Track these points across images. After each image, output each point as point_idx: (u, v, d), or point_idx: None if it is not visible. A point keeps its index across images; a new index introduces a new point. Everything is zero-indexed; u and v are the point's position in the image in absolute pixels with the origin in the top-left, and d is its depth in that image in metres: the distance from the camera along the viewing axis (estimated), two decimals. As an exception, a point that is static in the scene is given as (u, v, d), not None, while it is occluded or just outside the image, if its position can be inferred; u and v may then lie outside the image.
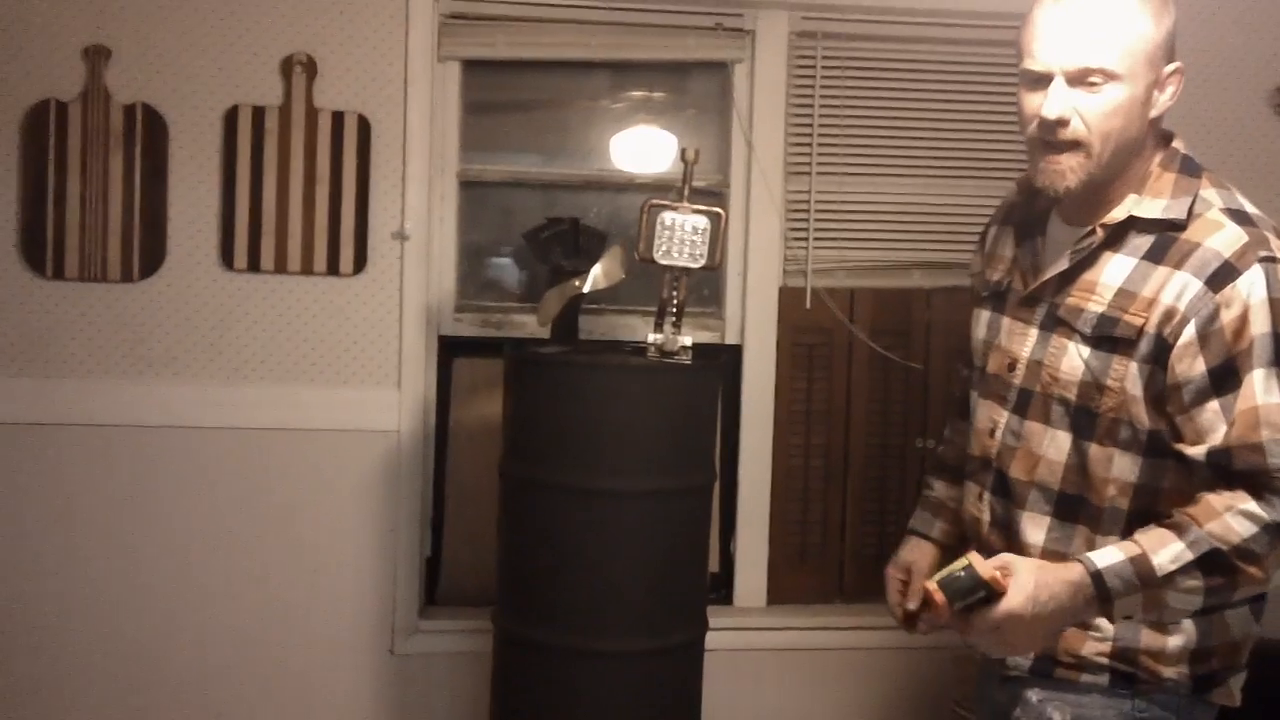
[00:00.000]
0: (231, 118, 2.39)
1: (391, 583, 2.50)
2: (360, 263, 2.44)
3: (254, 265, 2.41)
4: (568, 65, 2.58)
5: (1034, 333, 1.49)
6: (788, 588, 2.67)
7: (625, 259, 2.19)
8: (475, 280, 2.62)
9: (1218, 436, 1.34)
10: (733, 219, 2.53)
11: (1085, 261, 1.44)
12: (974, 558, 1.37)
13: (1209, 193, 1.42)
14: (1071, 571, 1.36)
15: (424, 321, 2.49)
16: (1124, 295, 1.40)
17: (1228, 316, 1.34)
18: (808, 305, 2.62)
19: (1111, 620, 1.40)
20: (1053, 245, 1.51)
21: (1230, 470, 1.34)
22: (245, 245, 2.40)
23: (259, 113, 2.39)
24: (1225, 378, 1.34)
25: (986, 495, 1.54)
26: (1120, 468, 1.42)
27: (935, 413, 2.61)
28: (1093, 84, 1.37)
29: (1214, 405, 1.34)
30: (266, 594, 2.46)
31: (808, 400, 2.66)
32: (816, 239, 2.62)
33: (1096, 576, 1.34)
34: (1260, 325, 1.33)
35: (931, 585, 1.38)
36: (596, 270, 2.16)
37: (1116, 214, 1.43)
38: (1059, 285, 1.47)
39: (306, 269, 2.42)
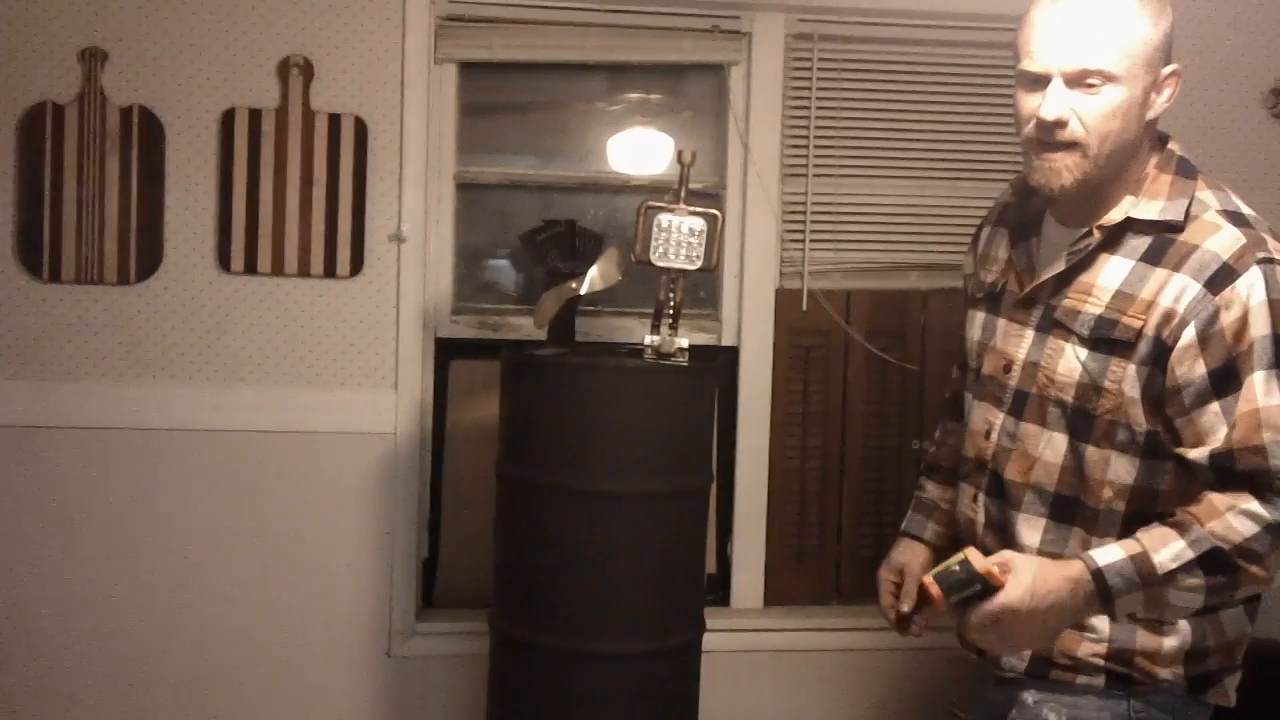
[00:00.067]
0: (228, 120, 2.39)
1: (388, 585, 2.50)
2: (357, 265, 2.44)
3: (251, 267, 2.41)
4: (564, 67, 2.58)
5: (1030, 334, 1.49)
6: (785, 589, 2.68)
7: (622, 261, 2.19)
8: (472, 282, 2.62)
9: (1219, 439, 1.35)
10: (729, 221, 2.53)
11: (1082, 263, 1.45)
12: (970, 552, 1.37)
13: (1205, 194, 1.43)
14: (1072, 568, 1.36)
15: (421, 323, 2.49)
16: (1122, 297, 1.40)
17: (1227, 319, 1.34)
18: (804, 307, 2.62)
19: (1113, 619, 1.40)
20: (1048, 247, 1.51)
21: (1233, 472, 1.34)
22: (242, 247, 2.40)
23: (256, 115, 2.39)
24: (1226, 380, 1.34)
25: (981, 497, 1.54)
26: (1117, 470, 1.42)
27: (931, 414, 2.61)
28: (1091, 85, 1.37)
29: (1215, 407, 1.35)
30: (264, 596, 2.46)
31: (804, 402, 2.67)
32: (813, 241, 2.62)
33: (1097, 574, 1.34)
34: (1260, 327, 1.34)
35: (928, 579, 1.38)
36: (593, 272, 2.16)
37: (1113, 215, 1.43)
38: (1055, 287, 1.47)
39: (303, 271, 2.42)
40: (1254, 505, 1.33)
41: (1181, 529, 1.34)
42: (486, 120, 2.61)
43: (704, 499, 2.19)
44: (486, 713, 2.20)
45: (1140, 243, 1.42)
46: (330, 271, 2.43)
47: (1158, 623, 1.44)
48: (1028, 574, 1.35)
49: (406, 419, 2.48)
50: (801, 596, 2.68)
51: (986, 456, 1.53)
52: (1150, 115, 1.43)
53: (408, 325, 2.47)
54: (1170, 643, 1.45)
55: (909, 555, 1.68)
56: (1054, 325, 1.46)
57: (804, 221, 2.62)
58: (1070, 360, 1.43)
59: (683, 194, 2.07)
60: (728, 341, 2.62)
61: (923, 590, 1.41)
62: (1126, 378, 1.39)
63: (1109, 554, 1.35)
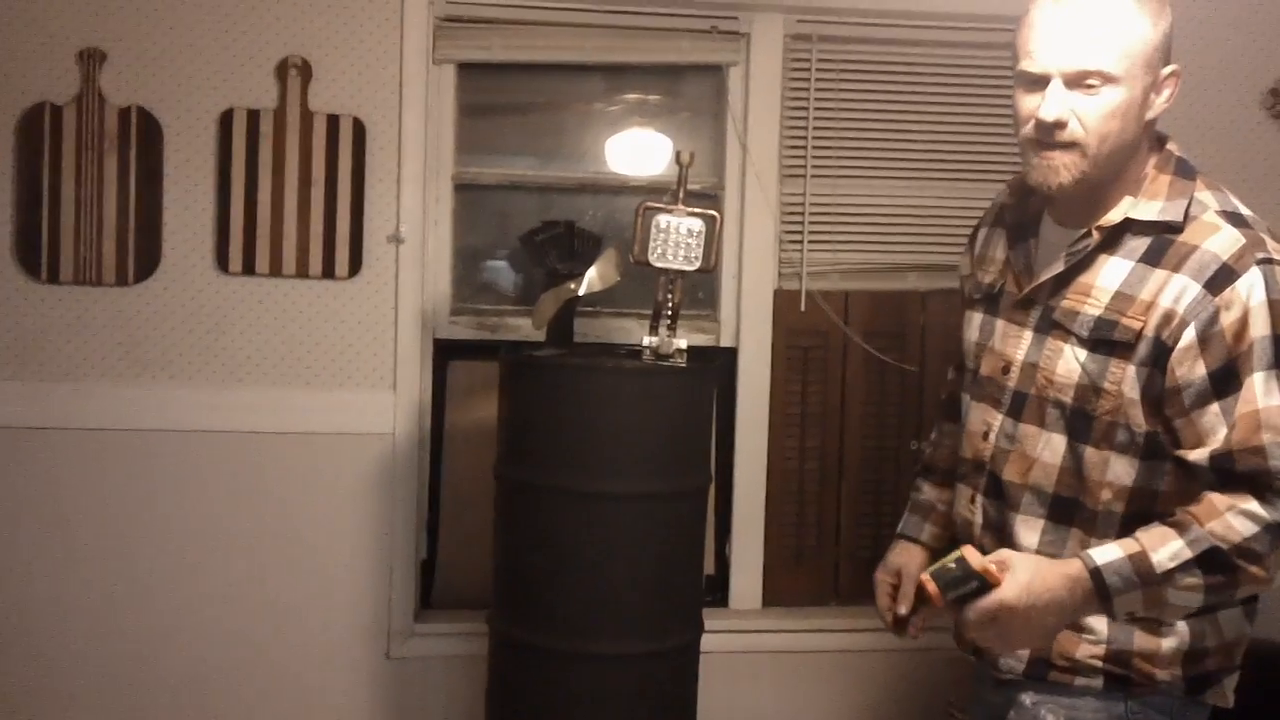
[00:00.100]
0: (226, 121, 2.38)
1: (387, 586, 2.50)
2: (355, 266, 2.44)
3: (249, 268, 2.41)
4: (563, 68, 2.58)
5: (1029, 335, 1.49)
6: (783, 590, 2.68)
7: (620, 262, 2.19)
8: (470, 283, 2.62)
9: (1219, 439, 1.35)
10: (727, 222, 2.53)
11: (1080, 264, 1.45)
12: (967, 550, 1.37)
13: (1204, 195, 1.43)
14: (1070, 567, 1.36)
15: (419, 324, 2.49)
16: (1121, 298, 1.40)
17: (1227, 319, 1.34)
18: (802, 308, 2.62)
19: (1112, 618, 1.40)
20: (1046, 247, 1.51)
21: (1233, 473, 1.34)
22: (240, 248, 2.40)
23: (254, 116, 2.39)
24: (1226, 380, 1.34)
25: (979, 498, 1.54)
26: (1116, 471, 1.42)
27: (930, 415, 2.60)
28: (1090, 86, 1.37)
29: (1215, 408, 1.35)
30: (263, 597, 2.46)
31: (803, 403, 2.67)
32: (811, 241, 2.62)
33: (1095, 573, 1.34)
34: (1260, 328, 1.34)
35: (925, 577, 1.39)
36: (592, 273, 2.16)
37: (1112, 216, 1.43)
38: (1054, 288, 1.47)
39: (302, 272, 2.42)
40: (1254, 505, 1.33)
41: (1180, 528, 1.34)
42: (485, 121, 2.61)
43: (702, 500, 2.19)
44: (485, 713, 2.19)
45: (1139, 244, 1.42)
46: (328, 272, 2.43)
47: (1156, 624, 1.44)
48: (1025, 572, 1.36)
49: (405, 420, 2.48)
50: (800, 597, 2.68)
51: (984, 457, 1.53)
52: (1149, 115, 1.43)
53: (406, 326, 2.47)
54: (1168, 644, 1.45)
55: (906, 557, 1.68)
56: (1053, 326, 1.46)
57: (802, 222, 2.62)
58: (1069, 361, 1.43)
59: (681, 195, 2.07)
60: (726, 342, 2.62)
61: (920, 589, 1.41)
62: (1126, 379, 1.39)
63: (1107, 553, 1.35)
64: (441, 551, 2.60)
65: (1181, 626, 1.44)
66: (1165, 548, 1.33)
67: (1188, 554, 1.33)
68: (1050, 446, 1.46)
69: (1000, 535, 1.51)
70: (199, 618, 2.45)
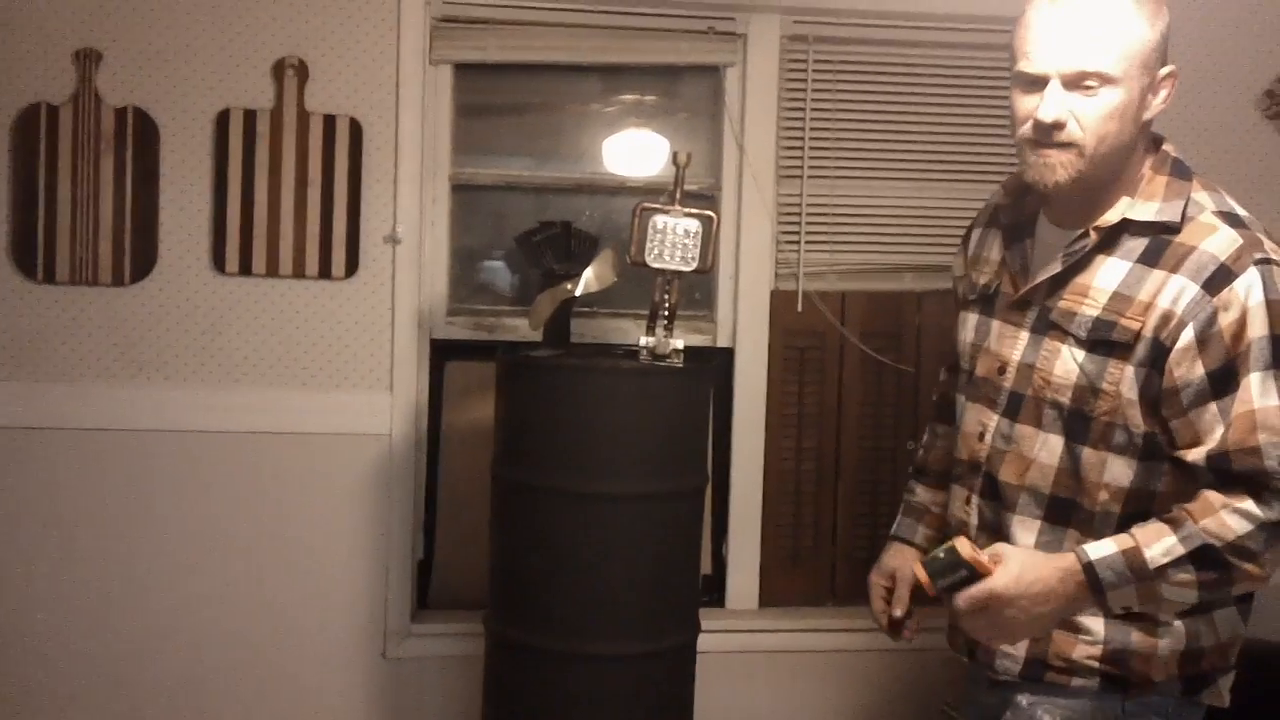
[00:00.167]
0: (223, 121, 2.38)
1: (384, 586, 2.50)
2: (352, 266, 2.44)
3: (246, 269, 2.40)
4: (560, 69, 2.58)
5: (1025, 336, 1.49)
6: (780, 590, 2.68)
7: (617, 262, 2.19)
8: (467, 284, 2.62)
9: (1215, 439, 1.35)
10: (724, 222, 2.54)
11: (1078, 265, 1.45)
12: (959, 540, 1.39)
13: (1201, 195, 1.43)
14: (1064, 560, 1.37)
15: (416, 325, 2.49)
16: (1119, 299, 1.40)
17: (1226, 320, 1.34)
18: (799, 308, 2.63)
19: (1107, 612, 1.41)
20: (1042, 248, 1.51)
21: (1230, 473, 1.34)
22: (237, 249, 2.39)
23: (250, 116, 2.39)
24: (1224, 381, 1.35)
25: (974, 499, 1.54)
26: (1114, 472, 1.42)
27: (926, 415, 2.61)
28: (1088, 87, 1.37)
29: (1212, 408, 1.35)
30: (259, 597, 2.46)
31: (799, 403, 2.67)
32: (808, 242, 2.63)
33: (1088, 567, 1.35)
34: (1258, 328, 1.34)
35: (918, 565, 1.41)
36: (588, 274, 2.16)
37: (1110, 216, 1.43)
38: (1050, 288, 1.47)
39: (298, 272, 2.42)
40: (1249, 505, 1.33)
41: (1175, 525, 1.35)
42: (482, 121, 2.61)
43: (699, 500, 2.19)
44: (482, 714, 2.19)
45: (1136, 244, 1.42)
46: (325, 273, 2.42)
47: (1152, 624, 1.44)
48: (1016, 563, 1.37)
49: (402, 420, 2.48)
50: (796, 598, 2.68)
51: (980, 458, 1.53)
52: (1147, 116, 1.43)
53: (403, 326, 2.47)
54: (1165, 644, 1.45)
55: (900, 559, 1.68)
56: (1050, 327, 1.46)
57: (799, 223, 2.62)
58: (1067, 362, 1.43)
59: (678, 195, 2.07)
60: (723, 343, 2.63)
61: (917, 587, 1.42)
62: (1125, 379, 1.40)
63: (1102, 548, 1.36)
64: (438, 552, 2.60)
65: (1177, 627, 1.45)
66: (1159, 544, 1.34)
67: (1180, 550, 1.33)
68: (1047, 447, 1.46)
69: (996, 536, 1.51)
70: (196, 618, 2.44)
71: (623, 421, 2.03)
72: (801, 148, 2.61)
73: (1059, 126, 1.38)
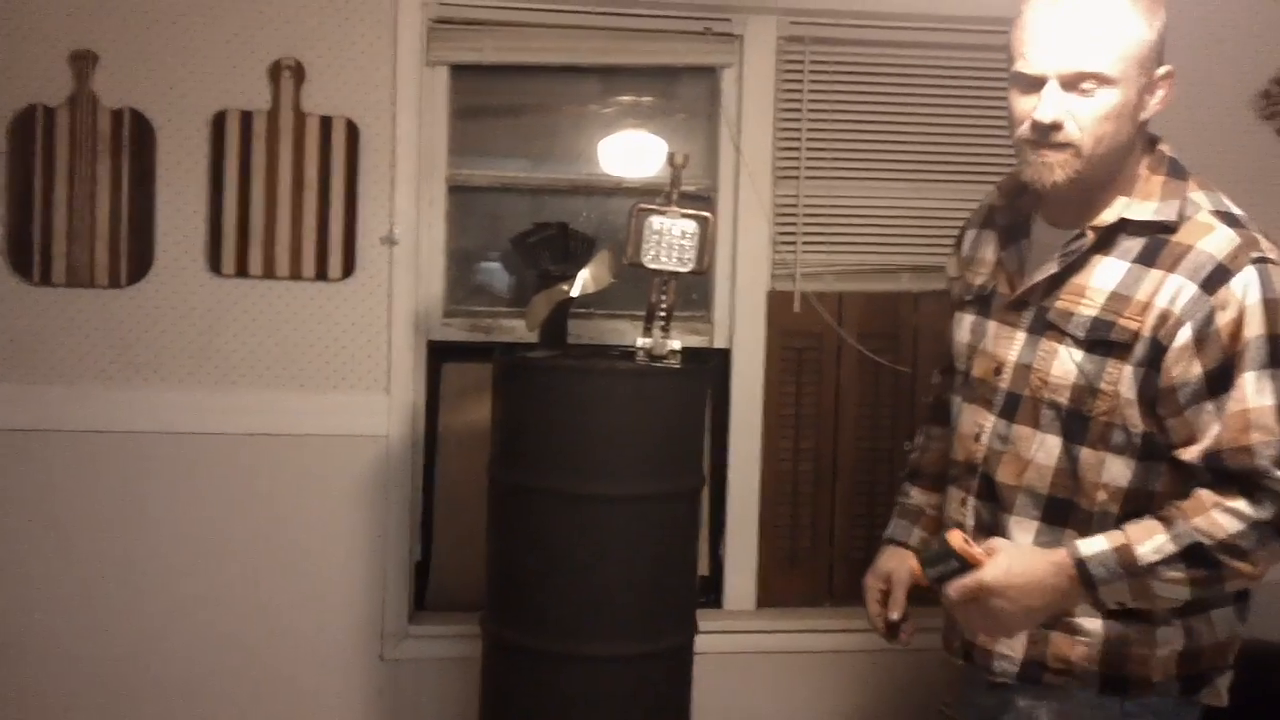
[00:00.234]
0: (219, 123, 2.38)
1: (381, 588, 2.49)
2: (349, 268, 2.43)
3: (242, 270, 2.40)
4: (556, 70, 2.58)
5: (1021, 336, 1.49)
6: (777, 591, 2.68)
7: (613, 263, 2.19)
8: (464, 285, 2.62)
9: (1210, 438, 1.35)
10: (721, 223, 2.54)
11: (1074, 265, 1.45)
12: (951, 531, 1.41)
13: (1198, 195, 1.43)
14: (1056, 554, 1.38)
15: (413, 326, 2.49)
16: (1117, 299, 1.40)
17: (1223, 319, 1.35)
18: (796, 309, 2.63)
19: (1099, 607, 1.41)
20: (1038, 248, 1.52)
21: (1224, 472, 1.35)
22: (233, 250, 2.39)
23: (247, 117, 2.38)
24: (1220, 380, 1.35)
25: (971, 500, 1.54)
26: (1112, 472, 1.42)
27: (922, 417, 2.62)
28: (1086, 89, 1.37)
29: (1209, 407, 1.36)
30: (256, 599, 2.46)
31: (796, 404, 2.67)
32: (805, 243, 2.63)
33: (1080, 563, 1.36)
34: (1255, 328, 1.34)
35: (912, 556, 1.45)
36: (585, 275, 2.16)
37: (1107, 216, 1.43)
38: (1047, 288, 1.47)
39: (295, 274, 2.41)
40: (1241, 504, 1.33)
41: (1167, 523, 1.36)
42: (478, 123, 2.61)
43: (696, 501, 2.19)
44: (479, 716, 2.19)
45: (1134, 244, 1.42)
46: (322, 274, 2.42)
47: (1150, 625, 1.44)
48: (1006, 555, 1.38)
49: (398, 422, 2.48)
50: (794, 598, 2.68)
51: (976, 459, 1.53)
52: (1144, 116, 1.43)
53: (399, 328, 2.47)
54: (1163, 645, 1.45)
55: (895, 562, 1.67)
56: (1047, 327, 1.46)
57: (796, 223, 2.62)
58: (1065, 362, 1.43)
59: (674, 196, 2.07)
60: (720, 344, 2.62)
61: (913, 589, 1.44)
62: (1123, 379, 1.40)
63: (1094, 544, 1.37)
64: (435, 553, 2.60)
65: (1176, 627, 1.45)
66: (1150, 541, 1.35)
67: (1171, 548, 1.34)
68: (1045, 448, 1.46)
69: (993, 537, 1.51)
70: (193, 620, 2.44)
71: (619, 423, 2.03)
72: (798, 148, 2.61)
73: (1057, 127, 1.38)
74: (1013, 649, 1.50)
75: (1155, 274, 1.39)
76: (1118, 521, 1.42)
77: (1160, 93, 1.43)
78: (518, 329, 2.44)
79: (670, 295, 2.07)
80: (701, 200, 2.55)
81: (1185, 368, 1.36)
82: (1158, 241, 1.41)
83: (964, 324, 1.59)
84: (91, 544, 2.41)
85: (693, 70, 2.61)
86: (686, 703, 2.17)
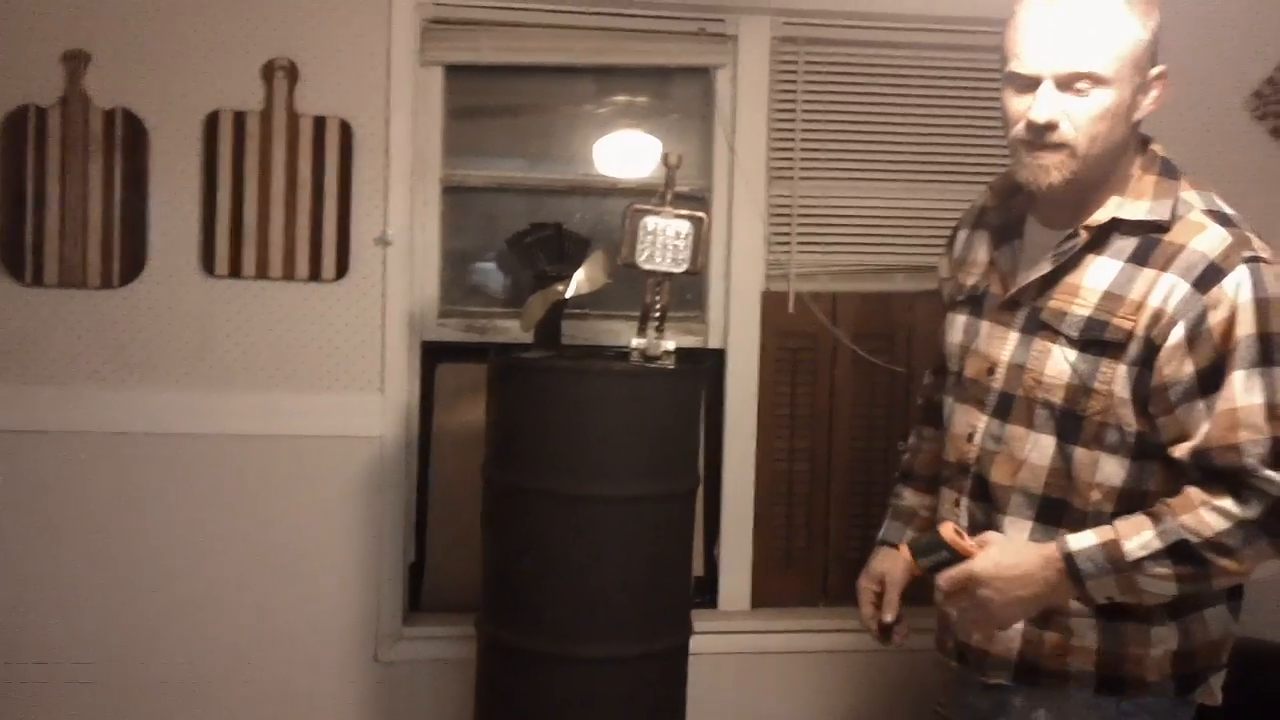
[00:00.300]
0: (212, 123, 2.37)
1: (375, 589, 2.49)
2: (343, 268, 2.43)
3: (235, 271, 2.39)
4: (551, 70, 2.58)
5: (1014, 336, 1.50)
6: (772, 591, 2.68)
7: (608, 264, 2.19)
8: (459, 285, 2.61)
9: (1199, 436, 1.36)
10: (716, 223, 2.54)
11: (1067, 264, 1.45)
12: (944, 524, 1.43)
13: (1190, 195, 1.44)
14: (1046, 548, 1.40)
15: (407, 327, 2.49)
16: (1111, 299, 1.41)
17: (1215, 318, 1.35)
18: (791, 309, 2.63)
19: (1089, 601, 1.41)
20: (1031, 249, 1.52)
21: (1212, 469, 1.36)
22: (227, 251, 2.39)
23: (240, 118, 2.38)
24: (1211, 379, 1.36)
25: (964, 501, 1.54)
26: (1106, 471, 1.43)
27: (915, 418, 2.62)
28: (1081, 89, 1.37)
29: (1200, 405, 1.36)
30: (249, 601, 2.45)
31: (791, 404, 2.67)
32: (799, 243, 2.63)
33: (1068, 557, 1.37)
34: (1246, 326, 1.35)
35: (905, 547, 1.48)
36: (580, 275, 2.16)
37: (1099, 216, 1.44)
38: (1040, 288, 1.48)
39: (288, 274, 2.41)
40: (1228, 502, 1.34)
41: (1155, 519, 1.37)
42: (473, 123, 2.61)
43: (691, 502, 2.19)
44: (474, 717, 2.19)
45: (1126, 244, 1.43)
46: (315, 275, 2.42)
47: (1145, 625, 1.45)
48: (997, 547, 1.41)
49: (393, 423, 2.47)
50: (789, 598, 2.68)
51: (969, 460, 1.53)
52: (1137, 116, 1.43)
53: (394, 329, 2.47)
54: (1158, 645, 1.45)
55: (889, 564, 1.67)
56: (1040, 327, 1.46)
57: (790, 224, 2.62)
58: (1059, 362, 1.44)
59: (669, 197, 2.07)
60: (714, 344, 2.62)
61: (908, 587, 1.46)
62: (1117, 378, 1.40)
63: (1083, 539, 1.38)
64: (430, 554, 2.59)
65: (1170, 627, 1.45)
66: (1137, 537, 1.36)
67: (1157, 544, 1.35)
68: (1038, 448, 1.46)
69: (987, 531, 1.51)
70: (187, 621, 2.43)
71: (614, 423, 2.03)
72: (793, 149, 2.61)
73: (1052, 127, 1.39)
74: (1007, 650, 1.50)
75: (1148, 273, 1.39)
76: (1112, 521, 1.42)
77: (1154, 93, 1.44)
78: (512, 329, 2.44)
79: (665, 296, 2.07)
80: (696, 201, 2.55)
81: (1177, 366, 1.37)
82: (1150, 241, 1.41)
83: (956, 324, 1.60)
84: (84, 546, 2.40)
85: (687, 71, 2.60)
86: (682, 703, 2.17)
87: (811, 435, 2.68)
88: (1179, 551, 1.35)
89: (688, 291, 2.62)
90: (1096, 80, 1.37)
